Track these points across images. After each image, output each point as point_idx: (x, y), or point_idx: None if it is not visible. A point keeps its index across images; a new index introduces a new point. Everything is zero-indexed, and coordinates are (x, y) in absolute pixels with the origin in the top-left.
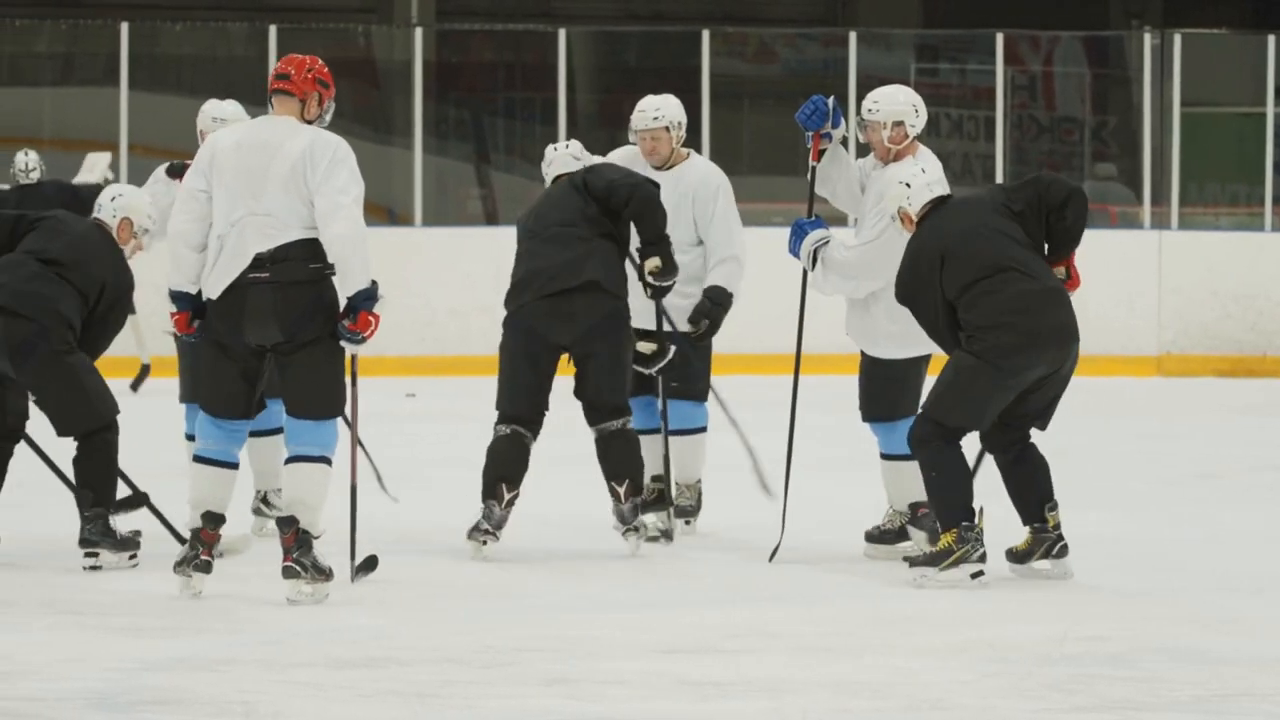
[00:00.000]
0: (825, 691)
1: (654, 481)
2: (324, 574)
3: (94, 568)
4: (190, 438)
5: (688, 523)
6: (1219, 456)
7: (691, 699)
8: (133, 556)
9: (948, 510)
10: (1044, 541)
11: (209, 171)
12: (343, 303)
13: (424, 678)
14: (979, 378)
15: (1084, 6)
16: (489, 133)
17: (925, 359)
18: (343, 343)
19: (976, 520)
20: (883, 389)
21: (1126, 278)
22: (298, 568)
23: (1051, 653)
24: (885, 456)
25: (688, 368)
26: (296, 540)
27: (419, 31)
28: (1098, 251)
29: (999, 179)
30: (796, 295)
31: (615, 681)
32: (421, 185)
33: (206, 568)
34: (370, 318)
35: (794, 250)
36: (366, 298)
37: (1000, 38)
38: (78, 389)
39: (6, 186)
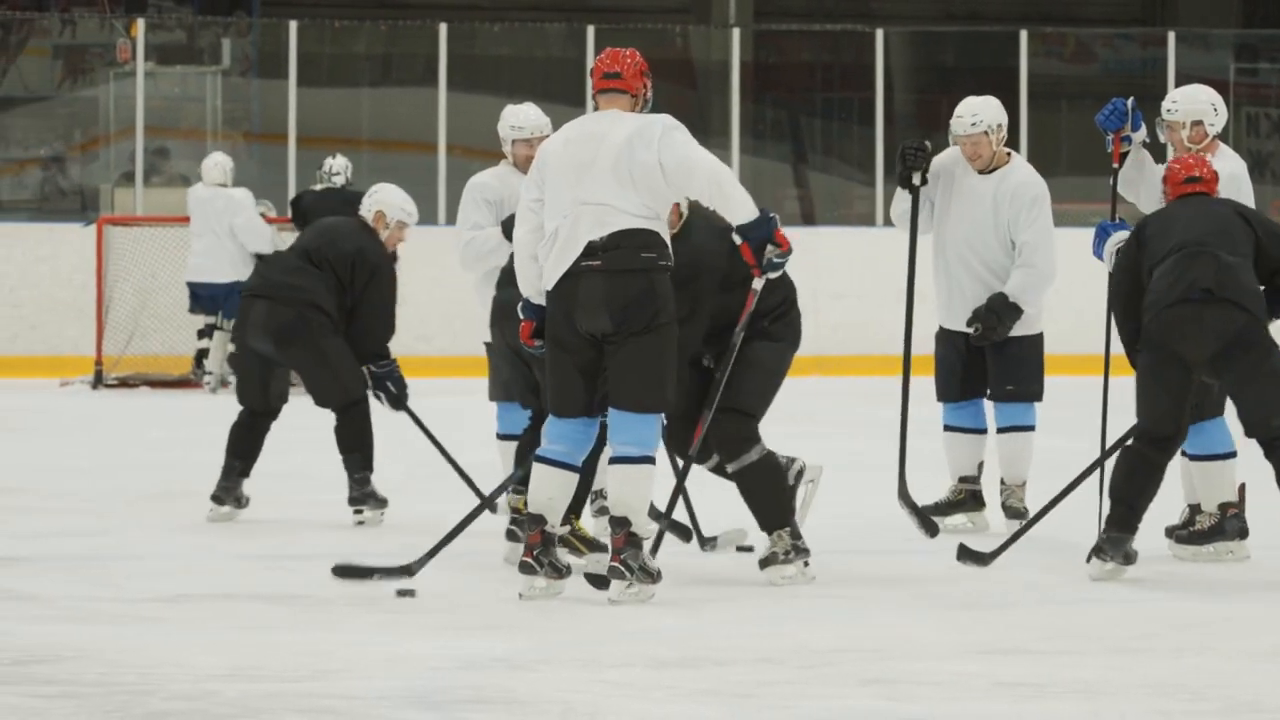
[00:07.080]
0: (1141, 693)
1: (962, 483)
2: (651, 576)
3: (360, 523)
4: (501, 436)
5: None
6: None
7: (1008, 700)
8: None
9: None
10: None
11: (540, 178)
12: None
13: (740, 678)
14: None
15: None
16: (806, 133)
17: None
18: (768, 274)
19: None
20: None
21: None
22: (623, 569)
23: None
24: (1192, 457)
25: (1021, 369)
26: (627, 541)
27: (736, 32)
28: None
29: None
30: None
31: (931, 682)
32: None
33: (528, 569)
34: (782, 237)
35: (1097, 253)
36: (765, 222)
37: None
38: (328, 368)
39: (319, 187)
